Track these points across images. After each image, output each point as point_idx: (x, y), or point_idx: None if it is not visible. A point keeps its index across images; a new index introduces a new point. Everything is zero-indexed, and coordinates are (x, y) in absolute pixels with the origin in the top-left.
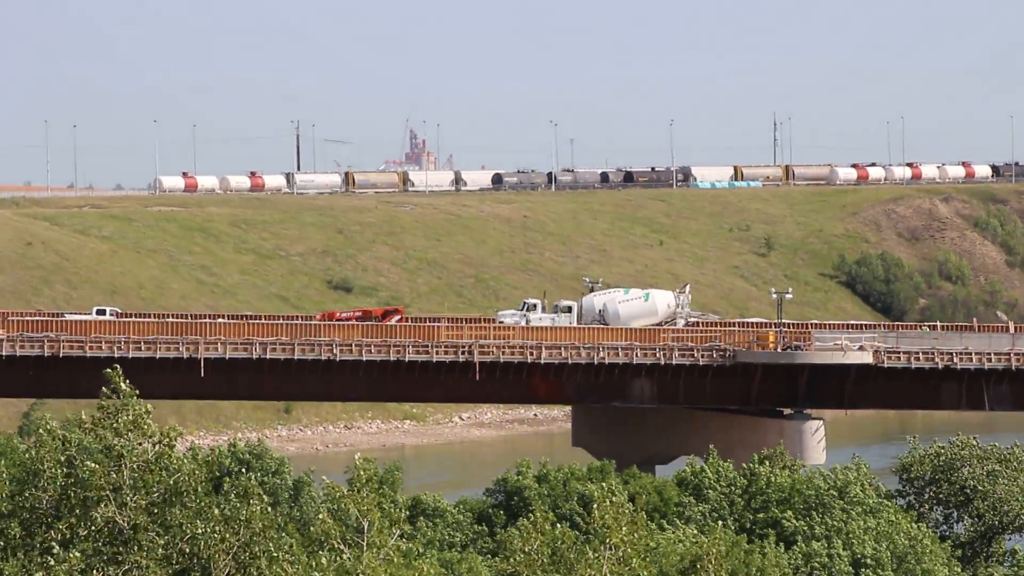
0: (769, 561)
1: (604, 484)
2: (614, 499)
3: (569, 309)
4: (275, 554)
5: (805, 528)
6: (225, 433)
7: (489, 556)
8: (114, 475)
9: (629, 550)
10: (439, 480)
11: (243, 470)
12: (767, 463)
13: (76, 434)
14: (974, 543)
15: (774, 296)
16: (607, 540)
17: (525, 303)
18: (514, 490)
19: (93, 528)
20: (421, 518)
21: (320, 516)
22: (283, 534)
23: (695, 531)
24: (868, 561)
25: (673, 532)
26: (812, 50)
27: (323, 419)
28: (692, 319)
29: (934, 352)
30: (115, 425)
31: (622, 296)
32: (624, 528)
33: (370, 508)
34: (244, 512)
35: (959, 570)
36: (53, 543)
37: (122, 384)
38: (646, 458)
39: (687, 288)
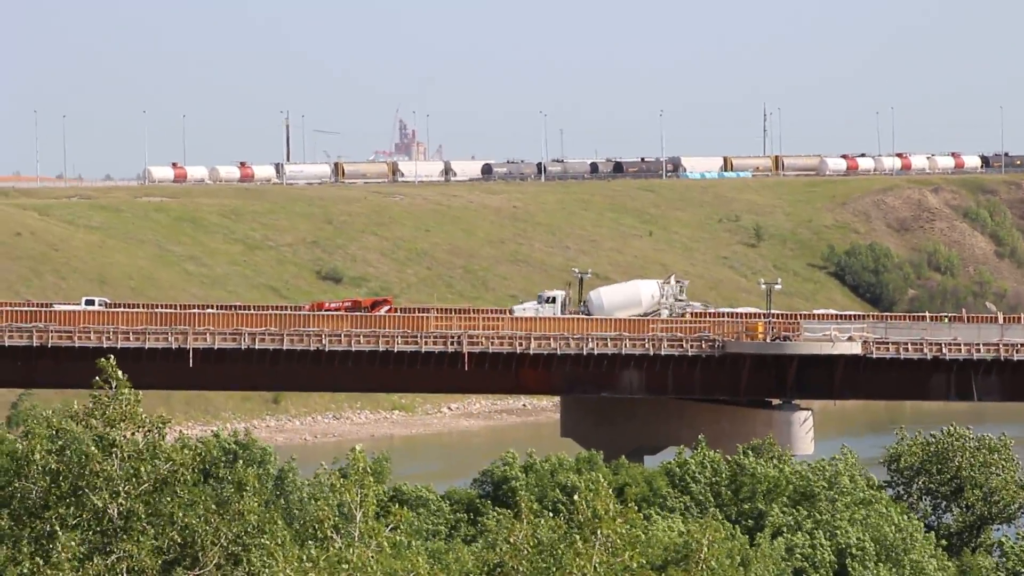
0: (760, 552)
1: (591, 474)
2: (600, 490)
3: (553, 300)
4: (268, 546)
5: (791, 520)
6: (214, 424)
7: (472, 544)
8: (106, 464)
9: (618, 541)
10: (427, 470)
11: (231, 459)
12: (750, 454)
13: (67, 424)
14: (962, 533)
15: (763, 287)
16: (597, 531)
17: (541, 296)
18: (500, 480)
19: (84, 517)
20: (403, 507)
21: (316, 503)
22: (277, 526)
23: (682, 522)
24: (853, 551)
25: (662, 520)
26: (802, 41)
27: (312, 409)
28: (695, 310)
29: (923, 343)
30: (107, 414)
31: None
32: (615, 519)
33: (366, 498)
34: (238, 504)
35: (946, 560)
36: (49, 531)
37: (117, 374)
38: (634, 448)
39: (672, 278)
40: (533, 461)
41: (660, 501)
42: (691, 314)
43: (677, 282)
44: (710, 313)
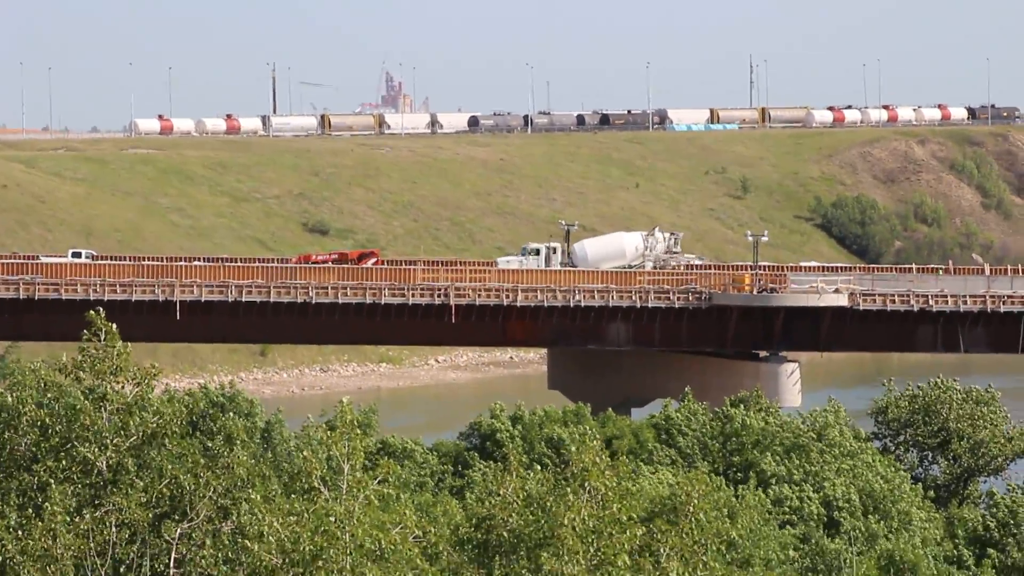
0: (745, 503)
1: (579, 427)
2: (589, 442)
3: (537, 252)
4: (256, 500)
5: (783, 472)
6: (201, 376)
7: (459, 496)
8: (94, 417)
9: (608, 494)
10: (415, 423)
11: (219, 412)
12: (741, 406)
13: (55, 376)
14: (949, 485)
15: (750, 238)
16: (585, 483)
17: (525, 248)
18: (488, 433)
19: (73, 471)
20: (390, 460)
21: (303, 456)
22: (267, 478)
23: (670, 475)
24: (840, 504)
25: (650, 473)
26: None
27: (299, 362)
28: (691, 262)
29: (909, 295)
30: (96, 367)
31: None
32: (604, 472)
33: (354, 450)
34: (227, 456)
35: (933, 512)
36: (38, 484)
37: (109, 326)
38: (622, 401)
39: (656, 231)
40: (522, 413)
41: (647, 455)
42: (685, 266)
43: (672, 235)
44: (703, 266)
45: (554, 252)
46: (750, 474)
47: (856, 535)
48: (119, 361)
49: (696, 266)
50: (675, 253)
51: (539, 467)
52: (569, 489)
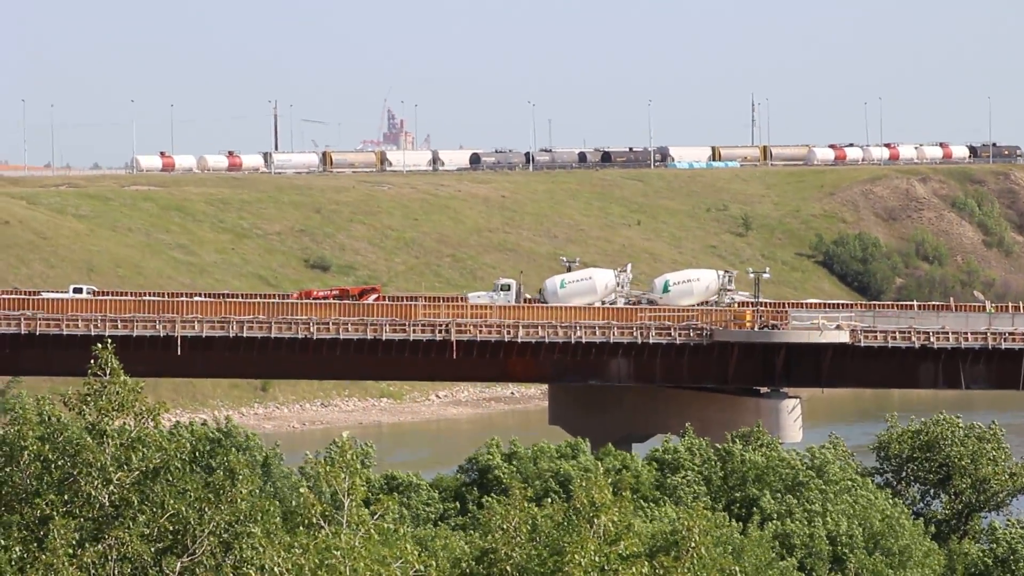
0: (751, 540)
1: (580, 460)
2: (595, 477)
3: (508, 287)
4: (258, 534)
5: (783, 509)
6: (202, 411)
7: (461, 531)
8: (97, 452)
9: (612, 529)
10: (416, 458)
11: (215, 446)
12: (738, 442)
13: (58, 410)
14: (951, 521)
15: (751, 276)
16: (594, 519)
17: (497, 284)
18: (485, 468)
19: (76, 504)
20: (394, 494)
21: (302, 491)
22: (270, 513)
23: (671, 511)
24: (843, 539)
25: (651, 509)
26: (790, 31)
27: (300, 397)
28: (741, 299)
29: (911, 331)
30: (100, 404)
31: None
32: (611, 508)
33: (354, 485)
34: (230, 491)
35: (935, 548)
36: (40, 517)
37: (112, 361)
38: (623, 436)
39: (628, 268)
40: (516, 449)
41: (648, 492)
42: (738, 304)
43: (726, 272)
44: (752, 303)
45: (508, 288)
46: (753, 510)
47: (861, 571)
48: (123, 398)
49: (746, 303)
50: (729, 290)
51: (549, 500)
52: (578, 524)
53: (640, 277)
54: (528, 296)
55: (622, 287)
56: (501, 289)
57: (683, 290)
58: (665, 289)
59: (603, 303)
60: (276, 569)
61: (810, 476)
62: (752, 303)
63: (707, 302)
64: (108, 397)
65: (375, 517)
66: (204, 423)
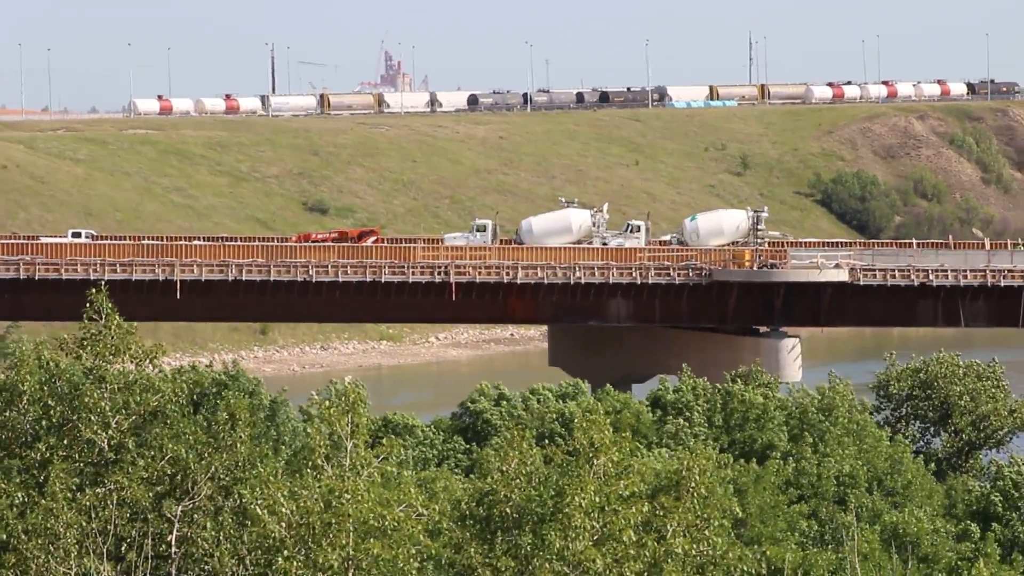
0: (764, 479)
1: (579, 401)
2: (595, 418)
3: (484, 228)
4: (259, 477)
5: (793, 449)
6: (202, 355)
7: (462, 474)
8: (96, 395)
9: (611, 470)
10: (416, 400)
11: (221, 390)
12: (739, 381)
13: (57, 355)
14: (950, 459)
15: (750, 214)
16: (593, 460)
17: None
18: (476, 413)
19: (75, 449)
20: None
21: (308, 431)
22: (268, 457)
23: (672, 451)
24: (846, 479)
25: (651, 449)
26: None
27: (299, 340)
28: (774, 239)
29: (910, 269)
30: (98, 348)
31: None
32: (611, 448)
33: (357, 427)
34: (230, 435)
35: (935, 485)
36: (40, 461)
37: (106, 305)
38: (622, 377)
39: (605, 207)
40: (502, 392)
41: (648, 431)
42: (770, 244)
43: (755, 212)
44: (792, 243)
45: (484, 229)
46: (767, 452)
47: (862, 511)
48: (119, 341)
49: (778, 243)
50: (760, 230)
51: (548, 442)
52: (578, 466)
53: (638, 217)
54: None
55: (598, 227)
56: (477, 230)
57: (713, 230)
58: (694, 230)
59: (579, 243)
60: (281, 510)
61: (819, 418)
62: (785, 242)
63: (736, 242)
64: (104, 341)
65: (379, 459)
66: (210, 365)
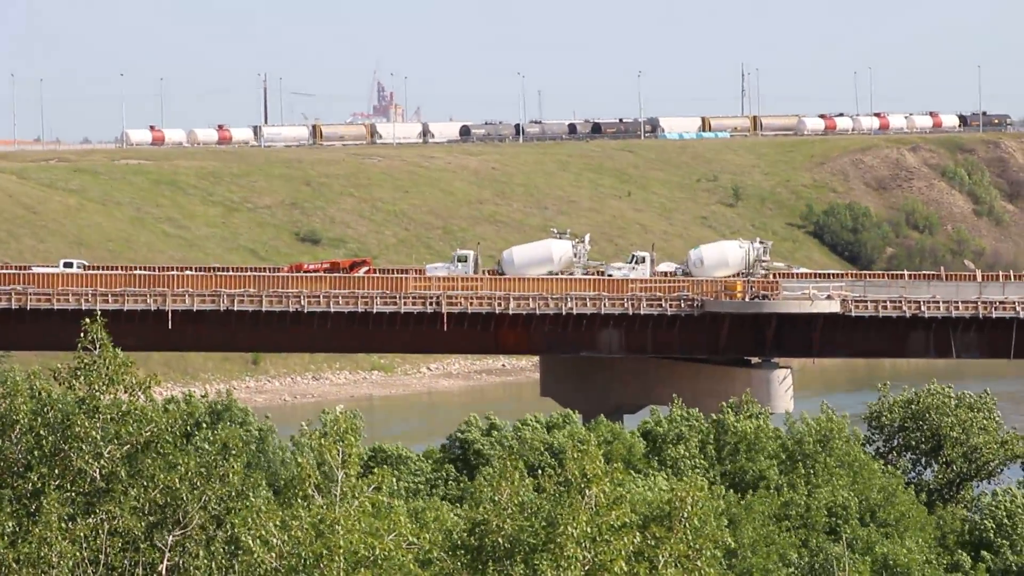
0: (754, 510)
1: (570, 429)
2: (587, 449)
3: (465, 259)
4: (252, 507)
5: (784, 481)
6: (193, 384)
7: (452, 503)
8: (88, 425)
9: (603, 500)
10: (406, 430)
11: (214, 421)
12: (730, 412)
13: (49, 385)
14: (942, 490)
15: (756, 245)
16: (585, 491)
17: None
18: (466, 443)
19: (67, 478)
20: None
21: (299, 461)
22: (260, 487)
23: (663, 481)
24: (839, 511)
25: (643, 479)
26: (781, 1)
27: (291, 370)
28: (778, 270)
29: (901, 301)
30: (90, 377)
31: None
32: (603, 479)
33: (349, 457)
34: (223, 465)
35: (926, 516)
36: (32, 491)
37: (101, 335)
38: (614, 408)
39: (587, 238)
40: (493, 422)
41: (640, 463)
42: (774, 275)
43: (762, 243)
44: (794, 274)
45: (465, 260)
46: (758, 483)
47: (855, 542)
48: (114, 371)
49: (784, 274)
50: (764, 261)
51: (541, 472)
52: (570, 496)
53: (629, 248)
54: (486, 269)
55: (579, 258)
56: (458, 260)
57: (718, 261)
58: (699, 260)
59: (560, 273)
60: (272, 541)
61: (815, 448)
62: (788, 273)
63: (739, 273)
64: (98, 371)
65: (370, 488)
66: (204, 396)
